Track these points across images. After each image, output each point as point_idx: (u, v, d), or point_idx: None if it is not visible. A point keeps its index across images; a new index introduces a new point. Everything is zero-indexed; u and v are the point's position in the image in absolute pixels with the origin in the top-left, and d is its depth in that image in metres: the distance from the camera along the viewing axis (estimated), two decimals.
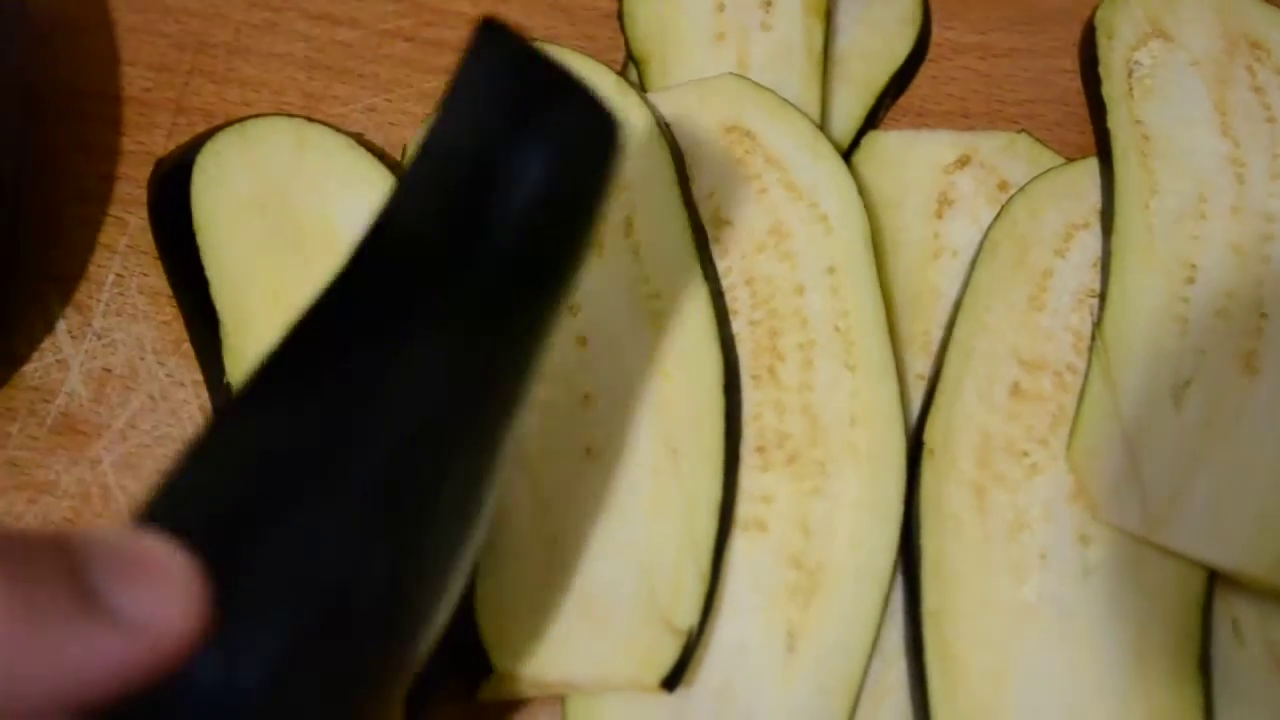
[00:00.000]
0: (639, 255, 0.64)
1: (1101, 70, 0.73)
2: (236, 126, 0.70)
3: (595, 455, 0.60)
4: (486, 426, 0.43)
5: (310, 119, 0.71)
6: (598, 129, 0.42)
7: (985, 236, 0.68)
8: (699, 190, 0.67)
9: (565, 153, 0.42)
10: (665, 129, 0.67)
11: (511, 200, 0.41)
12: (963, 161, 0.72)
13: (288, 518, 0.39)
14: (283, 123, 0.71)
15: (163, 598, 0.36)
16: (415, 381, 0.40)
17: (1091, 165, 0.71)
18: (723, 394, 0.61)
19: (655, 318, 0.63)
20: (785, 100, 0.70)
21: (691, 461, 0.60)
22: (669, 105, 0.70)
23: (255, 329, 0.65)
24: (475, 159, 0.41)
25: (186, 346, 0.68)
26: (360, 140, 0.70)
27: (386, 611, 0.41)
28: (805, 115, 0.69)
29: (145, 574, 0.36)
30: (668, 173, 0.66)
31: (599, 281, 0.64)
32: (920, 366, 0.66)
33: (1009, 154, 0.72)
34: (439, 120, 0.42)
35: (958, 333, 0.65)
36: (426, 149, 0.42)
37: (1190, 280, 0.64)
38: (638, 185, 0.65)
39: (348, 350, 0.41)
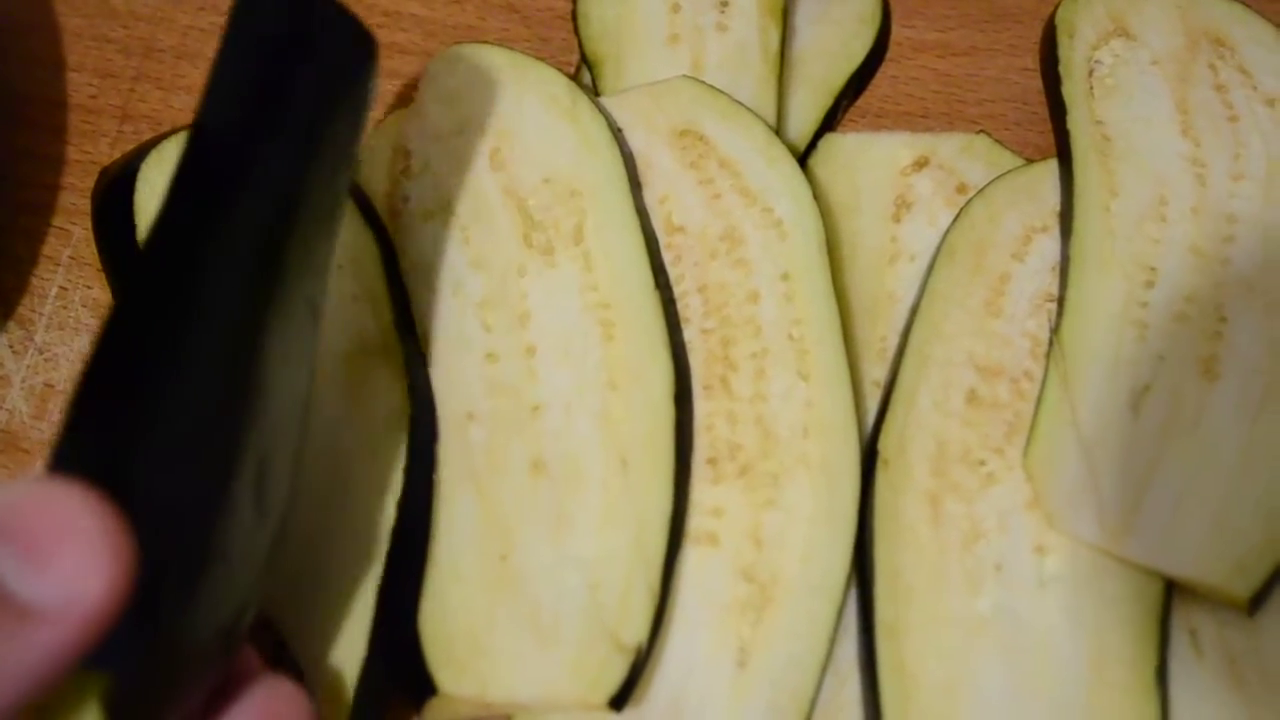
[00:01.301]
0: (589, 263, 0.63)
1: (1062, 69, 0.72)
2: (183, 134, 0.68)
3: (543, 469, 0.59)
4: (290, 289, 0.46)
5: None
6: (358, 44, 0.50)
7: (943, 240, 0.67)
8: (651, 196, 0.66)
9: (334, 59, 0.49)
10: (617, 133, 0.66)
11: (296, 102, 0.47)
12: (921, 163, 0.71)
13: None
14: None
15: (81, 568, 0.35)
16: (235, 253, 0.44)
17: (1051, 167, 0.70)
18: (673, 405, 0.60)
19: (605, 326, 0.62)
20: (739, 103, 0.69)
21: (642, 474, 0.59)
22: (622, 109, 0.69)
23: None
24: (262, 73, 0.47)
25: None
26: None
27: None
28: (760, 118, 0.68)
29: (57, 546, 0.35)
30: (619, 178, 0.65)
31: (548, 290, 0.63)
32: (877, 374, 0.65)
33: (968, 155, 0.71)
34: (228, 45, 0.46)
35: (913, 339, 0.64)
36: (220, 71, 0.46)
37: (1150, 284, 0.64)
38: (588, 192, 0.64)
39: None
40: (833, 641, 0.59)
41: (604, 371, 0.61)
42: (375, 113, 0.72)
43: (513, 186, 0.65)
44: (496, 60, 0.69)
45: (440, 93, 0.68)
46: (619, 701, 0.55)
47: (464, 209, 0.66)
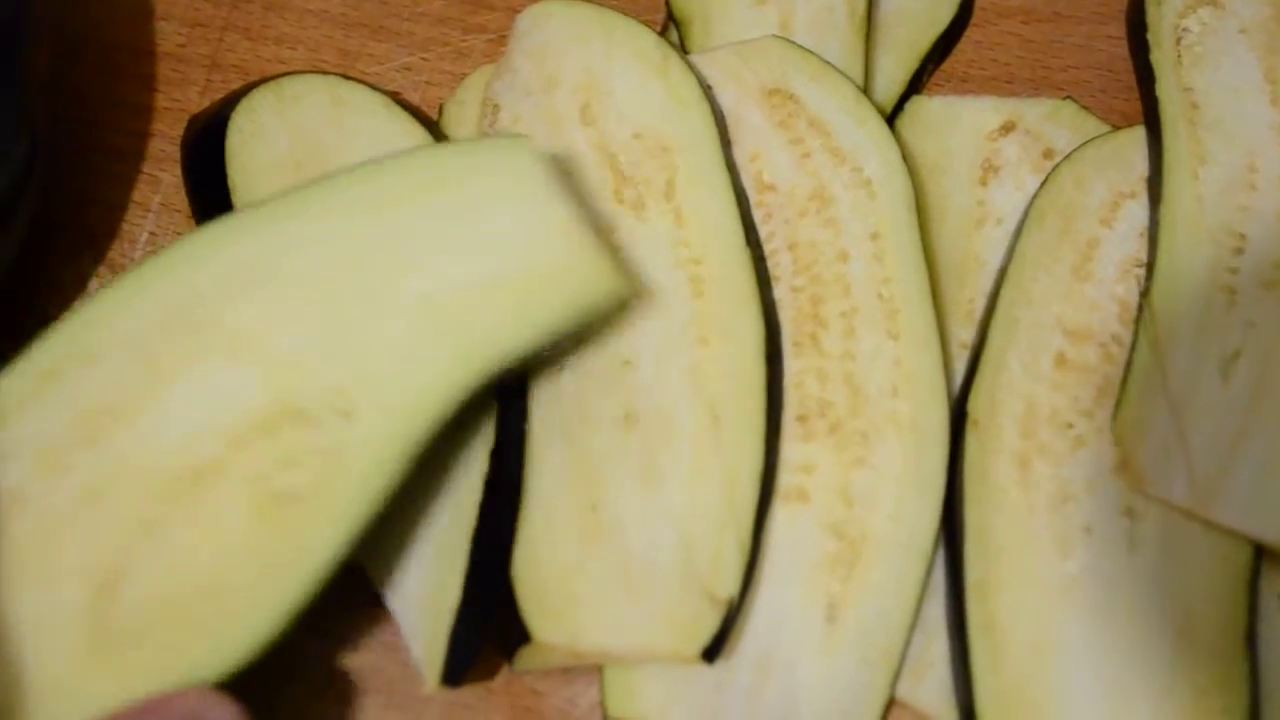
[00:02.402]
0: (680, 219, 0.63)
1: (1150, 37, 0.71)
2: (272, 84, 0.69)
3: (635, 422, 0.60)
4: None
5: (346, 77, 0.71)
6: None
7: (1031, 205, 0.67)
8: (741, 154, 0.66)
9: None
10: (707, 91, 0.66)
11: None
12: (1007, 128, 0.71)
13: None
14: (319, 80, 0.70)
15: None
16: None
17: (1138, 134, 0.69)
18: (764, 362, 0.60)
19: (696, 282, 0.62)
20: (829, 64, 0.69)
21: (733, 430, 0.59)
22: (711, 68, 0.69)
23: None
24: None
25: None
26: (397, 99, 0.69)
27: None
28: (849, 79, 0.68)
29: None
30: (709, 136, 0.65)
31: (640, 245, 0.63)
32: (964, 335, 0.65)
33: (1054, 121, 0.71)
34: None
35: (1002, 302, 0.64)
36: None
37: (1239, 251, 0.63)
38: (679, 148, 0.65)
39: None
40: (921, 599, 0.59)
41: (694, 327, 0.61)
42: (464, 67, 0.72)
43: (603, 142, 0.65)
44: (585, 15, 0.69)
45: (529, 48, 0.68)
46: (711, 653, 0.55)
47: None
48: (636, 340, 0.61)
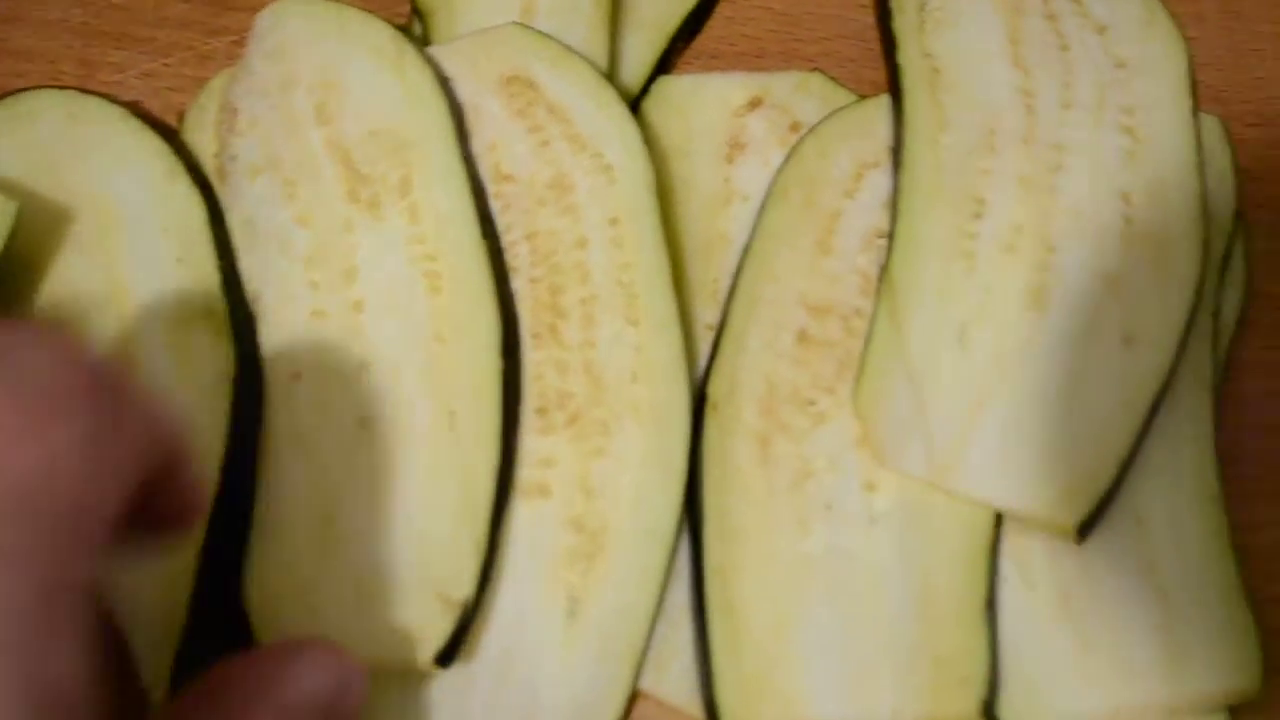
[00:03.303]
0: (415, 215, 0.62)
1: (893, 4, 0.71)
2: (6, 101, 0.68)
3: (369, 425, 0.59)
4: None
5: (84, 90, 0.69)
6: None
7: (774, 180, 0.66)
8: (479, 144, 0.66)
9: None
10: (444, 84, 0.65)
11: None
12: (754, 103, 0.70)
13: None
14: (55, 96, 0.69)
15: None
16: None
17: (884, 102, 0.69)
18: (500, 357, 0.60)
19: (432, 279, 0.61)
20: (569, 48, 0.68)
21: (469, 427, 0.58)
22: (450, 58, 0.68)
23: (34, 312, 0.64)
24: None
25: None
26: (135, 109, 0.68)
27: None
28: (589, 63, 0.67)
29: None
30: (445, 129, 0.64)
31: (375, 245, 0.62)
32: (710, 317, 0.65)
33: (802, 94, 0.71)
34: None
35: (743, 280, 0.63)
36: None
37: (978, 215, 0.63)
38: (414, 143, 0.64)
39: None
40: (664, 588, 0.59)
41: (431, 324, 0.60)
42: (207, 71, 0.71)
43: (338, 140, 0.64)
44: (321, 12, 0.68)
45: (267, 49, 0.68)
46: (446, 659, 0.55)
47: (290, 165, 0.65)
48: (373, 342, 0.60)
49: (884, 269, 0.63)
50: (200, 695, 0.43)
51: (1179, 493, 0.59)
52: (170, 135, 0.68)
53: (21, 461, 0.31)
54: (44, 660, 0.30)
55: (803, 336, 0.62)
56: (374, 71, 0.66)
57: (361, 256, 0.62)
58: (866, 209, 0.66)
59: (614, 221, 0.63)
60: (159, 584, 0.57)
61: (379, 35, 0.67)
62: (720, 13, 0.75)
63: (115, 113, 0.68)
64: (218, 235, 0.64)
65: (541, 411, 0.61)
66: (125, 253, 0.64)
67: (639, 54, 0.73)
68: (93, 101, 0.69)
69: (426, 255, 0.62)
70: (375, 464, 0.59)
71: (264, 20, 0.69)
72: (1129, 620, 0.57)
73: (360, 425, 0.59)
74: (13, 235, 0.62)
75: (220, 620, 0.56)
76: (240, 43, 0.73)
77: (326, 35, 0.67)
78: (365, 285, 0.62)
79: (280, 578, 0.57)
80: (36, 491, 0.31)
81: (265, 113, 0.67)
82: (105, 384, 0.35)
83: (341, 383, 0.60)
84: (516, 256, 0.63)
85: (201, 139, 0.69)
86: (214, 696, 0.43)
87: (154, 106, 0.72)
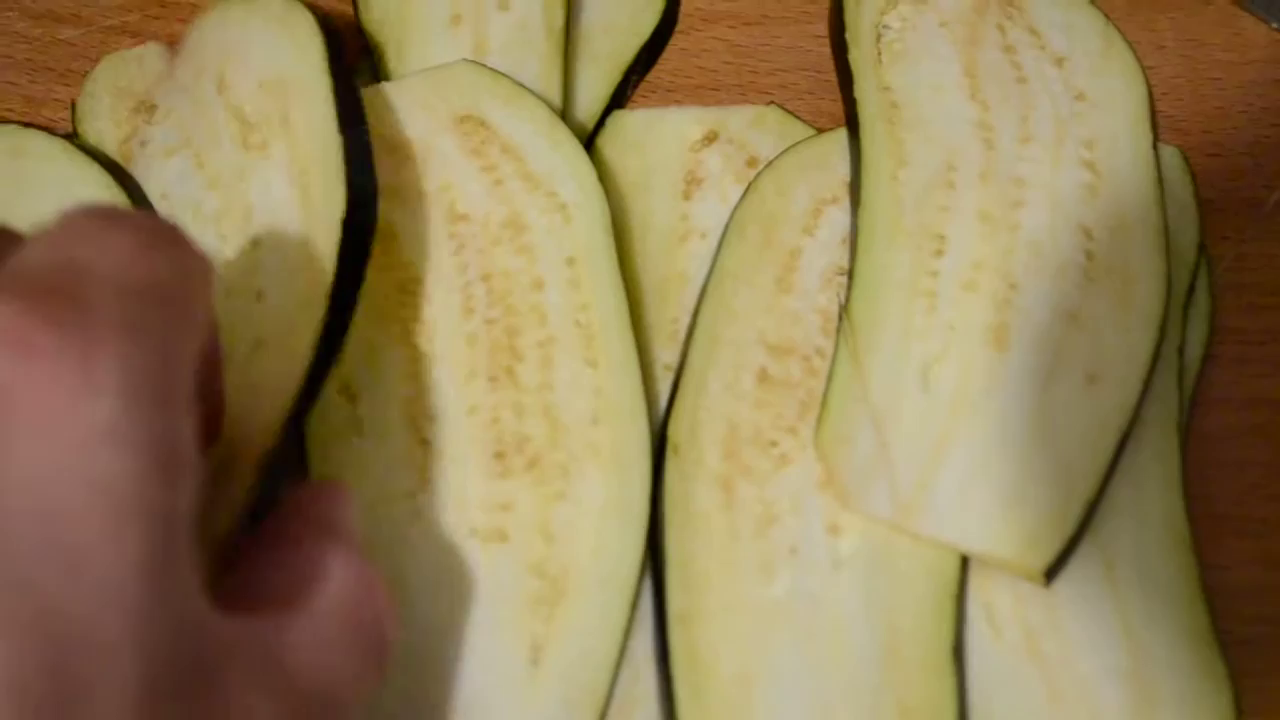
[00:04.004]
0: (293, 140, 0.64)
1: (849, 36, 0.71)
2: None
3: (263, 346, 0.59)
4: None
5: (26, 124, 0.69)
6: None
7: (731, 217, 0.65)
8: (432, 184, 0.65)
9: None
10: (324, 22, 0.67)
11: None
12: (710, 138, 0.69)
13: None
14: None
15: None
16: None
17: (841, 136, 0.69)
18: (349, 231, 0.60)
19: (304, 192, 0.62)
20: (521, 86, 0.67)
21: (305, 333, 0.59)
22: (403, 96, 0.67)
23: None
24: None
25: None
26: (76, 142, 0.68)
27: None
28: (542, 101, 0.66)
29: None
30: (318, 55, 0.65)
31: (265, 181, 0.64)
32: (669, 357, 0.64)
33: (758, 128, 0.70)
34: None
35: (702, 320, 0.63)
36: None
37: (939, 253, 0.63)
38: (292, 79, 0.65)
39: None
40: (627, 635, 0.57)
41: (304, 236, 0.61)
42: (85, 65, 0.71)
43: (234, 101, 0.65)
44: (229, 5, 0.68)
45: (186, 55, 0.69)
46: None
47: (199, 139, 0.66)
48: (265, 272, 0.61)
49: (844, 307, 0.62)
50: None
51: (1147, 533, 0.58)
52: (114, 168, 0.67)
53: (146, 265, 0.39)
54: (166, 419, 0.37)
55: (764, 377, 0.61)
56: (266, 32, 0.66)
57: (255, 196, 0.62)
58: (826, 246, 0.65)
59: (571, 261, 0.63)
60: None
61: (273, 4, 0.67)
62: (675, 45, 0.75)
63: (58, 145, 0.68)
64: None
65: (499, 455, 0.60)
66: None
67: (593, 88, 0.72)
68: (35, 135, 0.68)
69: (301, 173, 0.61)
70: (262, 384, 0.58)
71: (189, 34, 0.68)
72: (1098, 665, 0.56)
73: (255, 346, 0.58)
74: None
75: None
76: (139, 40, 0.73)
77: (230, 21, 0.68)
78: (259, 221, 0.62)
79: None
80: (160, 284, 0.39)
81: (180, 103, 0.68)
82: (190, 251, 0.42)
83: (239, 312, 0.59)
84: (472, 298, 0.63)
85: (96, 127, 0.70)
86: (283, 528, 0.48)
87: None
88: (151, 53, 0.72)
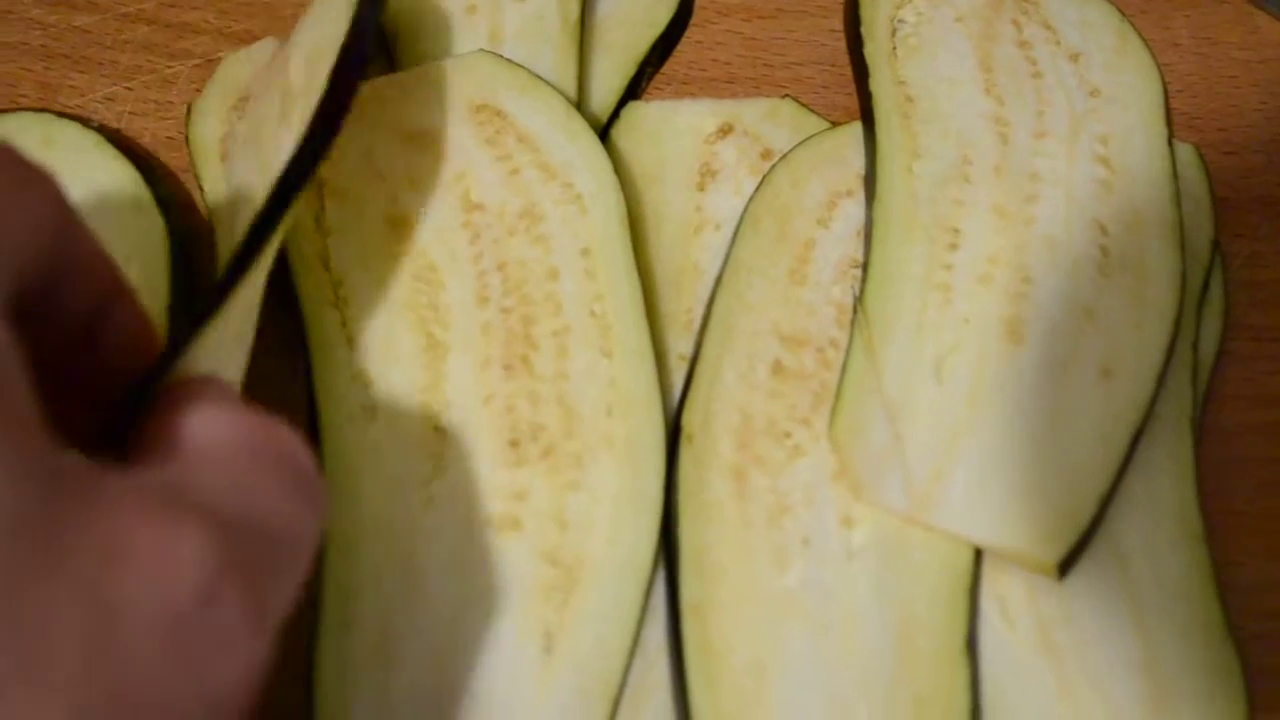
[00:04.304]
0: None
1: (864, 30, 0.71)
2: None
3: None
4: None
5: (60, 114, 0.69)
6: None
7: (746, 209, 0.65)
8: (448, 173, 0.65)
9: None
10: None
11: None
12: (725, 130, 0.70)
13: None
14: (31, 119, 0.69)
15: None
16: None
17: (856, 130, 0.69)
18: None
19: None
20: (537, 77, 0.67)
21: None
22: (419, 85, 0.67)
23: None
24: None
25: None
26: (108, 135, 0.68)
27: None
28: (558, 92, 0.66)
29: None
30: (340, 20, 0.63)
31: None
32: (683, 347, 0.64)
33: (773, 121, 0.70)
34: None
35: (717, 310, 0.63)
36: None
37: (953, 246, 0.63)
38: (325, 50, 0.62)
39: None
40: (640, 624, 0.57)
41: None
42: (169, 95, 0.70)
43: (286, 83, 0.64)
44: None
45: (283, 48, 0.68)
46: None
47: (260, 127, 0.64)
48: None
49: (859, 300, 0.62)
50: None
51: (1160, 527, 0.58)
52: (143, 164, 0.67)
53: None
54: None
55: (777, 368, 0.61)
56: (318, 9, 0.65)
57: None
58: (840, 238, 0.65)
59: (586, 252, 0.63)
60: None
61: None
62: (690, 38, 0.75)
63: (90, 139, 0.68)
64: (176, 269, 0.63)
65: (514, 444, 0.60)
66: None
67: (608, 79, 0.72)
68: (68, 126, 0.68)
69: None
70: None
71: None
72: (1111, 658, 0.56)
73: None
74: None
75: None
76: (204, 65, 0.73)
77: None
78: None
79: None
80: None
81: (261, 93, 0.66)
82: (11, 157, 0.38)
83: None
84: (488, 286, 0.62)
85: (204, 126, 0.70)
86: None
87: (116, 129, 0.71)
88: (262, 48, 0.72)
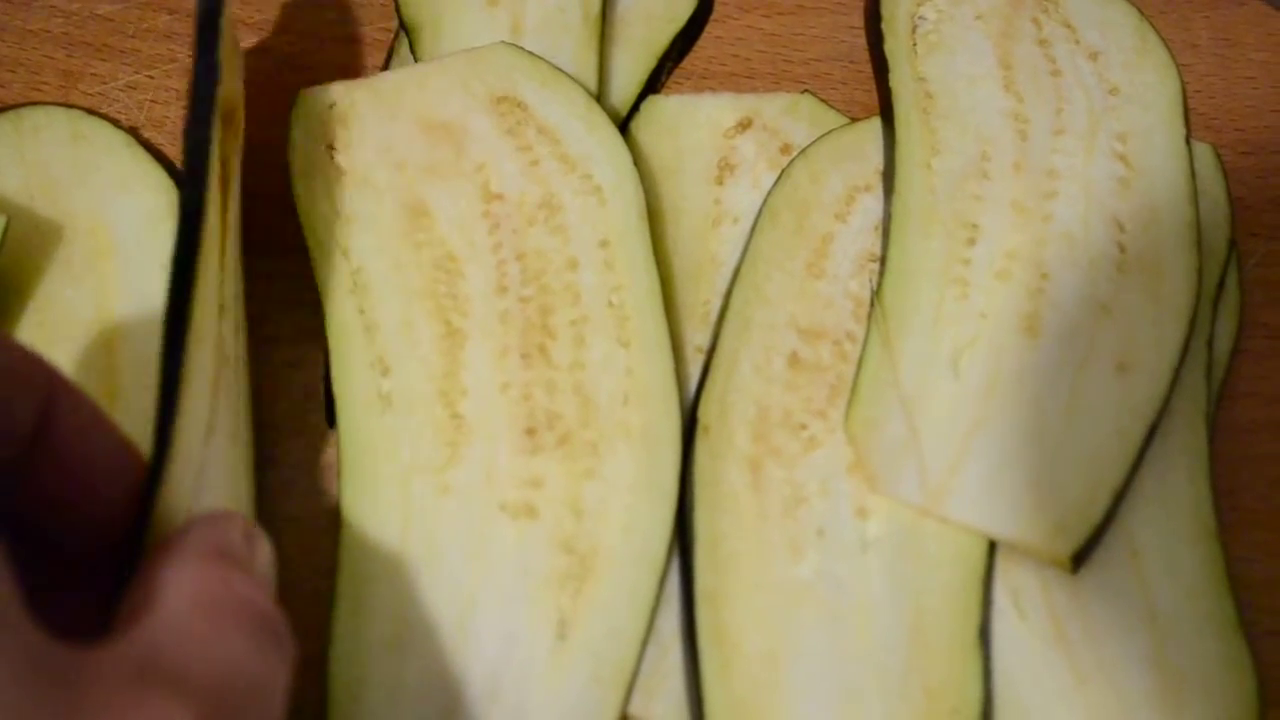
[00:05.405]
0: None
1: (885, 26, 0.71)
2: (10, 114, 0.68)
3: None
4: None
5: (90, 111, 0.69)
6: None
7: (765, 202, 0.66)
8: (468, 164, 0.65)
9: None
10: None
11: None
12: (744, 125, 0.70)
13: None
14: (60, 113, 0.69)
15: None
16: None
17: (875, 125, 0.69)
18: None
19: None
20: (558, 69, 0.67)
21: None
22: (439, 76, 0.68)
23: (17, 333, 0.63)
24: None
25: None
26: (140, 137, 0.68)
27: None
28: (579, 84, 0.67)
29: None
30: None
31: None
32: (700, 339, 0.64)
33: (792, 116, 0.70)
34: None
35: (734, 303, 0.63)
36: None
37: (971, 241, 0.63)
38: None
39: None
40: (654, 612, 0.58)
41: None
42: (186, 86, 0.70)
43: None
44: None
45: None
46: None
47: None
48: None
49: (876, 293, 0.62)
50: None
51: (1173, 522, 0.59)
52: (170, 166, 0.68)
53: None
54: None
55: (794, 360, 0.62)
56: None
57: None
58: (858, 232, 0.65)
59: (604, 243, 0.63)
60: None
61: None
62: (710, 33, 0.75)
63: (120, 138, 0.68)
64: None
65: (530, 432, 0.60)
66: (115, 281, 0.64)
67: (628, 73, 0.72)
68: (99, 124, 0.69)
69: None
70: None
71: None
72: (1123, 651, 0.56)
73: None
74: (1, 248, 0.61)
75: None
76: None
77: None
78: None
79: None
80: None
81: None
82: None
83: None
84: (506, 275, 0.63)
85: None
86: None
87: (137, 119, 0.71)
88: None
